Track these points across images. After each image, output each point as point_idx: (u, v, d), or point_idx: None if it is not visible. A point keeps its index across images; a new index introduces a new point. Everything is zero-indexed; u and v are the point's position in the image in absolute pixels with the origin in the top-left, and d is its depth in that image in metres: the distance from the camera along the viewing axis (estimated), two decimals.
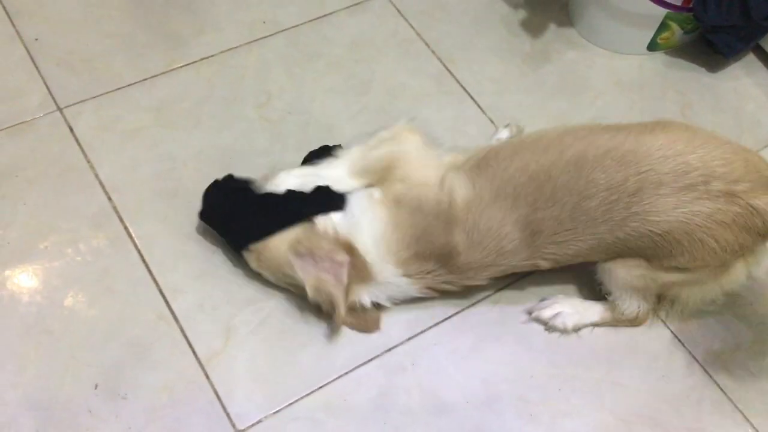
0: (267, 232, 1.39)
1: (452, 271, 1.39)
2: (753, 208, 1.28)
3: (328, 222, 1.39)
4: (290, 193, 1.43)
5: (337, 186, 1.44)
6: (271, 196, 1.44)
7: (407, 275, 1.39)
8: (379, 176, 1.43)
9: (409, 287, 1.41)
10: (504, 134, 1.67)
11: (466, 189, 1.36)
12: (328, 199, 1.42)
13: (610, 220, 1.31)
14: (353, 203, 1.42)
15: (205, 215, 1.47)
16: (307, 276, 1.35)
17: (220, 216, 1.46)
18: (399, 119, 1.57)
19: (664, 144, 1.30)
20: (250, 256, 1.43)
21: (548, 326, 1.48)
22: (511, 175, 1.34)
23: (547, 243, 1.35)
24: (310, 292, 1.35)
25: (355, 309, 1.41)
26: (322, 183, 1.43)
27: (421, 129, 1.52)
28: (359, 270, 1.37)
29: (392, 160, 1.43)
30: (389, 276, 1.39)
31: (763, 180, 1.30)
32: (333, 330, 1.44)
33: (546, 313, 1.48)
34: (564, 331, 1.48)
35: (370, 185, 1.44)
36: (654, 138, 1.31)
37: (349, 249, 1.36)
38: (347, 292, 1.36)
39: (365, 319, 1.45)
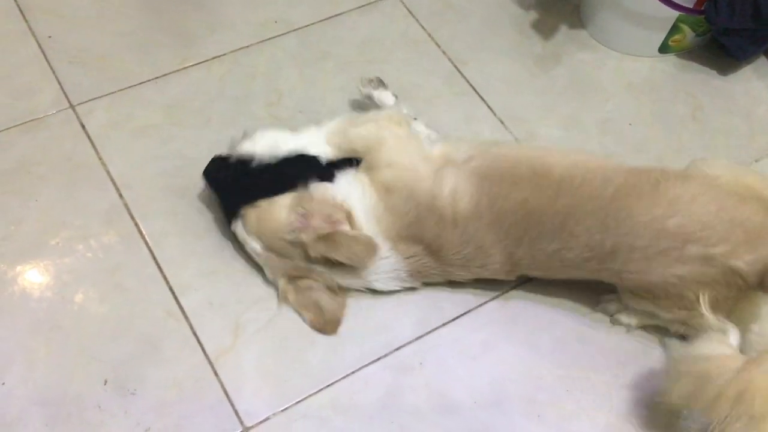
0: (264, 195, 1.41)
1: (436, 261, 1.42)
2: (732, 269, 1.29)
3: (325, 189, 1.41)
4: (284, 161, 1.45)
5: (312, 150, 1.46)
6: (267, 165, 1.45)
7: (396, 251, 1.41)
8: (355, 153, 1.46)
9: (399, 263, 1.42)
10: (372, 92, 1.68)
11: (469, 201, 1.37)
12: (320, 170, 1.44)
13: (585, 268, 1.38)
14: (341, 179, 1.44)
15: (208, 175, 1.49)
16: (306, 231, 1.37)
17: (220, 181, 1.47)
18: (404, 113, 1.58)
19: (646, 208, 1.32)
20: (247, 219, 1.42)
21: (613, 319, 1.49)
22: (510, 207, 1.37)
23: (525, 270, 1.44)
24: (311, 246, 1.36)
25: (333, 290, 1.43)
26: (297, 145, 1.46)
27: (408, 119, 1.54)
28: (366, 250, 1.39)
29: (375, 142, 1.45)
30: (380, 250, 1.41)
31: (750, 236, 1.29)
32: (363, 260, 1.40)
33: (612, 307, 1.49)
34: (628, 327, 1.49)
35: (344, 158, 1.47)
36: (643, 201, 1.32)
37: (348, 215, 1.39)
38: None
39: (328, 314, 1.45)
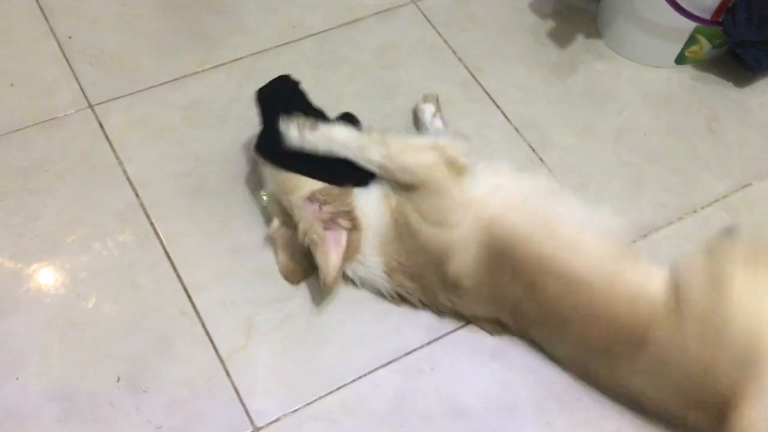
0: (300, 169, 1.43)
1: (427, 298, 1.45)
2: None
3: (351, 193, 1.42)
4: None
5: (362, 159, 1.43)
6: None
7: (388, 275, 1.43)
8: (398, 180, 1.42)
9: (384, 283, 1.45)
10: (429, 111, 1.67)
11: (473, 276, 1.38)
12: (362, 175, 1.43)
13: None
14: (373, 190, 1.44)
15: (262, 94, 1.50)
16: (305, 221, 1.38)
17: (273, 105, 1.47)
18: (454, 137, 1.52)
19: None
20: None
21: None
22: (509, 299, 1.38)
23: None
24: (300, 234, 1.38)
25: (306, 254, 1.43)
26: (350, 153, 1.42)
27: (465, 165, 1.42)
28: (350, 244, 1.40)
29: (421, 178, 1.39)
30: (372, 266, 1.43)
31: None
32: (322, 287, 1.41)
33: None
34: None
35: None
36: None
37: (355, 224, 1.40)
38: (342, 258, 1.39)
39: (300, 266, 1.47)
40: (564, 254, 1.33)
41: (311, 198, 1.40)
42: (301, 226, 1.39)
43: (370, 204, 1.43)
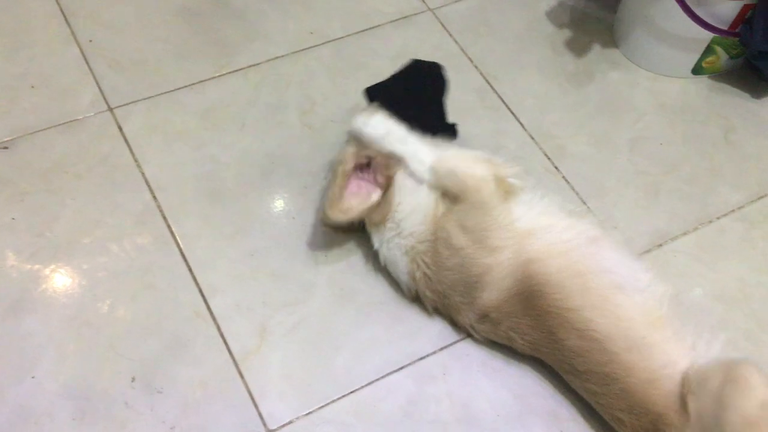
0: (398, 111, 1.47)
1: (446, 309, 1.46)
2: None
3: (399, 167, 1.44)
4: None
5: (415, 159, 1.44)
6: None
7: (410, 276, 1.44)
8: (445, 187, 1.42)
9: (403, 278, 1.46)
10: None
11: (496, 311, 1.39)
12: (452, 129, 1.53)
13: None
14: (424, 189, 1.44)
15: (415, 63, 1.59)
16: (346, 154, 1.43)
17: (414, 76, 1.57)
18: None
19: None
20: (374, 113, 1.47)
21: None
22: (523, 339, 1.39)
23: None
24: (335, 163, 1.45)
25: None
26: (405, 150, 1.45)
27: (513, 190, 1.44)
28: (374, 206, 1.44)
29: (469, 192, 1.38)
30: (393, 243, 1.44)
31: None
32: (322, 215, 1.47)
33: None
34: None
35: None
36: None
37: (385, 187, 1.43)
38: (355, 205, 1.42)
39: (346, 202, 1.45)
40: (589, 313, 1.31)
41: (376, 151, 1.42)
42: (339, 157, 1.43)
43: (416, 195, 1.43)
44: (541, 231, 1.39)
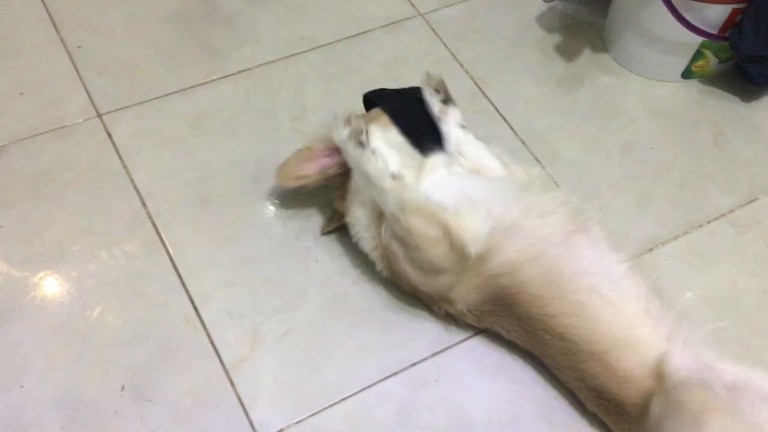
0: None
1: (420, 297, 1.48)
2: None
3: (379, 148, 1.44)
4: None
5: (378, 198, 1.42)
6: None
7: (377, 252, 1.46)
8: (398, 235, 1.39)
9: (371, 254, 1.47)
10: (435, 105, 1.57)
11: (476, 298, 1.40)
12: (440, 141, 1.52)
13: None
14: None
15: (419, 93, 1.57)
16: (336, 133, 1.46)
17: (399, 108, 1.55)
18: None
19: None
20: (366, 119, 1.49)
21: None
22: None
23: None
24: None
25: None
26: (371, 189, 1.44)
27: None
28: (341, 201, 1.50)
29: (416, 246, 1.36)
30: (359, 237, 1.48)
31: None
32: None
33: None
34: None
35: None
36: None
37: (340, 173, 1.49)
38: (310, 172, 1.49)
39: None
40: (566, 320, 1.32)
41: (359, 132, 1.43)
42: (320, 136, 1.50)
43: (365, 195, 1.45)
44: (510, 232, 1.34)
